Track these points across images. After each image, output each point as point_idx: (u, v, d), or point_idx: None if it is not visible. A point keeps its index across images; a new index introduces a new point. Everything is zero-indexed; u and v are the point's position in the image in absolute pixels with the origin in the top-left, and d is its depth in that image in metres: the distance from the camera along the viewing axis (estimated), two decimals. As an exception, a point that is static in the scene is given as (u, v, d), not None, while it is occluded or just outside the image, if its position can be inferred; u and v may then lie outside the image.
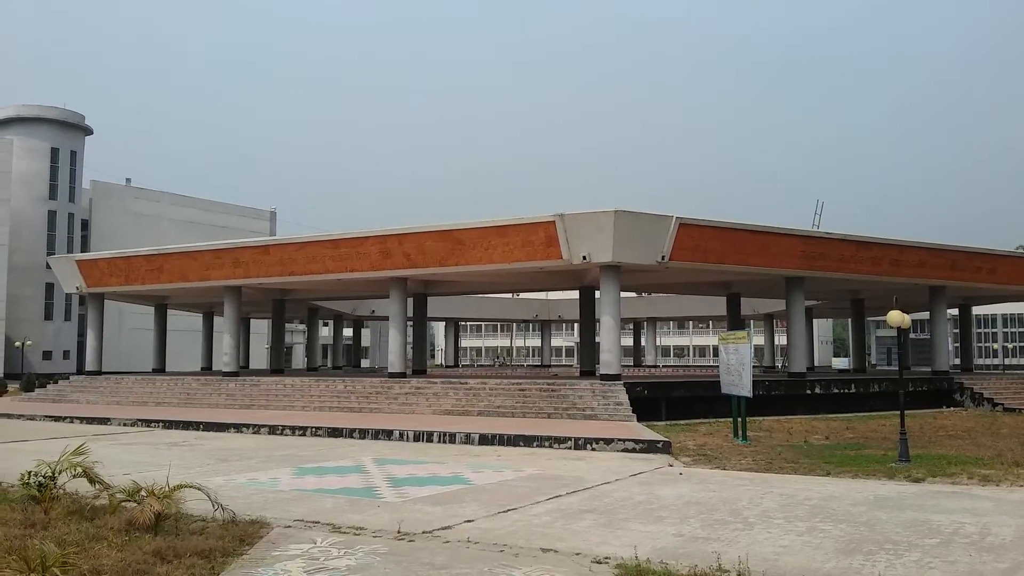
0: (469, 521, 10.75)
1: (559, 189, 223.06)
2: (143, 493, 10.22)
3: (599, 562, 8.57)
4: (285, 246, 31.84)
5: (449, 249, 28.03)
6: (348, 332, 68.58)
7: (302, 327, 73.40)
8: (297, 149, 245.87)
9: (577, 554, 8.92)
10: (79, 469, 11.32)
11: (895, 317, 17.10)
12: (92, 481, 11.33)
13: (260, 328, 68.79)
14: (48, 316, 62.64)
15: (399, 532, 9.98)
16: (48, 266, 62.76)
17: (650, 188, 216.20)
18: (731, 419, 21.91)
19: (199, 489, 10.39)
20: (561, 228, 25.70)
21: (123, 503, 10.41)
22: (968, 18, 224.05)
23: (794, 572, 8.18)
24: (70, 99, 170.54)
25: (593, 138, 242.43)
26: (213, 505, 10.27)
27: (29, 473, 11.52)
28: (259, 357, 69.09)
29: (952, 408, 32.22)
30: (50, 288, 62.55)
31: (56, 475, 11.21)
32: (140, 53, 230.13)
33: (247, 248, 33.30)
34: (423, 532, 10.05)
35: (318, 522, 10.65)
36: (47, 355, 61.11)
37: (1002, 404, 31.80)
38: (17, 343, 54.50)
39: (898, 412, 17.66)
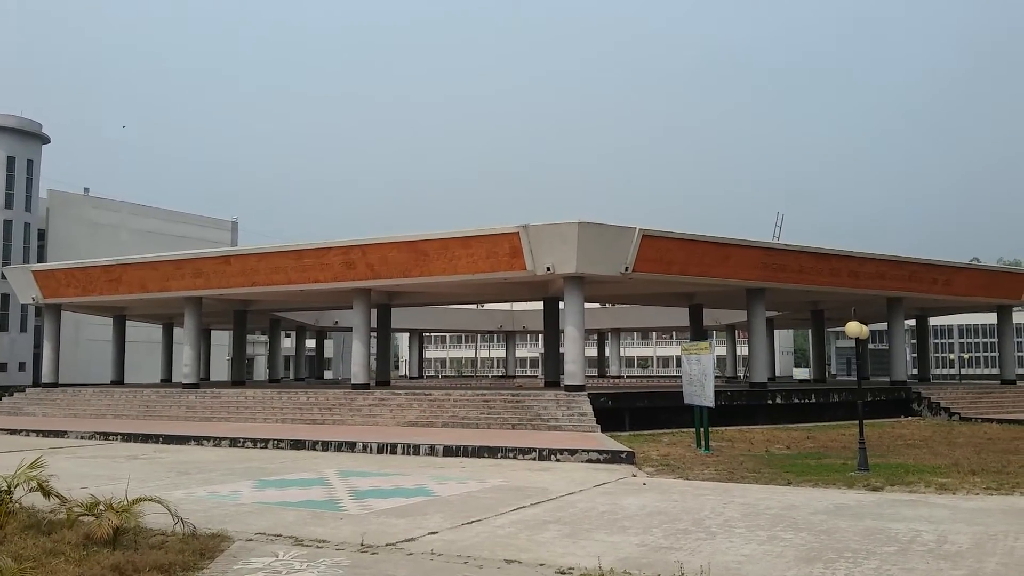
0: (433, 533, 10.73)
1: (525, 202, 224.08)
2: (101, 507, 10.05)
3: (563, 573, 8.60)
4: (247, 257, 31.60)
5: (413, 260, 28.01)
6: (311, 343, 68.09)
7: (263, 338, 72.73)
8: (260, 158, 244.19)
9: (541, 565, 8.94)
10: (35, 483, 11.14)
11: (853, 328, 17.39)
12: (48, 495, 11.12)
13: (221, 339, 68.05)
14: (3, 327, 61.40)
15: (362, 545, 9.93)
16: (3, 276, 61.68)
17: (615, 201, 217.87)
18: (694, 429, 22.06)
19: (159, 502, 10.25)
20: (525, 239, 25.80)
21: (81, 517, 10.24)
22: (936, 32, 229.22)
23: (755, 580, 8.28)
24: (26, 106, 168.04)
25: (563, 152, 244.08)
26: (173, 519, 10.14)
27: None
28: (220, 368, 68.27)
29: (910, 417, 32.76)
30: (5, 299, 61.28)
31: (12, 489, 11.00)
32: (98, 60, 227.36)
33: (208, 259, 32.96)
34: (386, 544, 10.01)
35: (280, 535, 10.56)
36: (1, 367, 59.88)
37: (958, 413, 32.41)
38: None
39: (857, 421, 17.94)
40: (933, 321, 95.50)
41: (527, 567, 8.87)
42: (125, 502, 10.07)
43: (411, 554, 9.53)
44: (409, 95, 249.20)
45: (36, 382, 59.51)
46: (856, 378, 21.30)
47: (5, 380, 57.20)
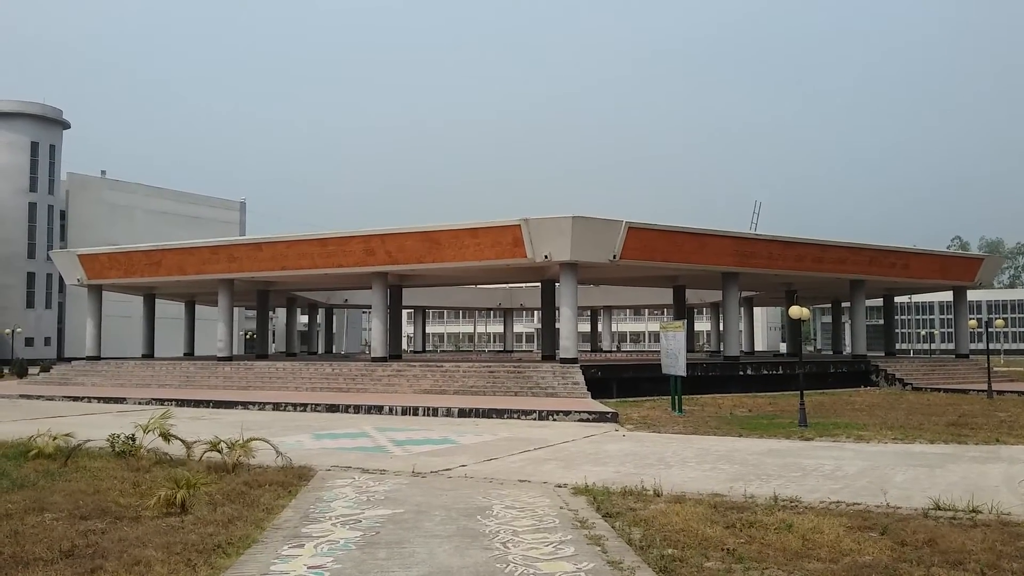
0: (463, 466, 14.45)
1: (524, 194, 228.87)
2: (223, 445, 13.78)
3: (560, 486, 12.33)
4: (276, 244, 34.94)
5: (427, 248, 31.54)
6: (303, 319, 71.77)
7: (271, 315, 76.27)
8: (268, 138, 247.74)
9: (544, 483, 12.67)
10: (160, 431, 14.86)
11: (795, 311, 21.08)
12: (168, 439, 14.82)
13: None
14: (30, 304, 64.92)
15: (413, 472, 13.65)
16: (29, 255, 65.25)
17: (606, 195, 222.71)
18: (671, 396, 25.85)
19: (266, 441, 14.03)
20: (526, 231, 29.36)
21: (207, 453, 13.95)
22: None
23: (692, 490, 12.02)
24: (47, 91, 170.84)
25: (558, 147, 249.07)
26: (276, 454, 13.88)
27: (114, 436, 15.10)
28: (234, 343, 71.98)
29: (868, 388, 36.46)
30: (31, 277, 64.91)
31: (146, 432, 14.73)
32: (110, 42, 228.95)
33: (241, 245, 36.48)
34: (431, 472, 13.74)
35: (350, 467, 14.24)
36: (29, 342, 63.38)
37: (911, 384, 36.04)
38: (7, 330, 56.82)
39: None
40: (916, 298, 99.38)
41: (534, 483, 12.62)
42: (241, 441, 13.79)
43: (451, 477, 13.28)
44: (410, 87, 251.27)
45: (60, 356, 63.29)
46: (797, 352, 24.97)
47: (32, 354, 60.69)
